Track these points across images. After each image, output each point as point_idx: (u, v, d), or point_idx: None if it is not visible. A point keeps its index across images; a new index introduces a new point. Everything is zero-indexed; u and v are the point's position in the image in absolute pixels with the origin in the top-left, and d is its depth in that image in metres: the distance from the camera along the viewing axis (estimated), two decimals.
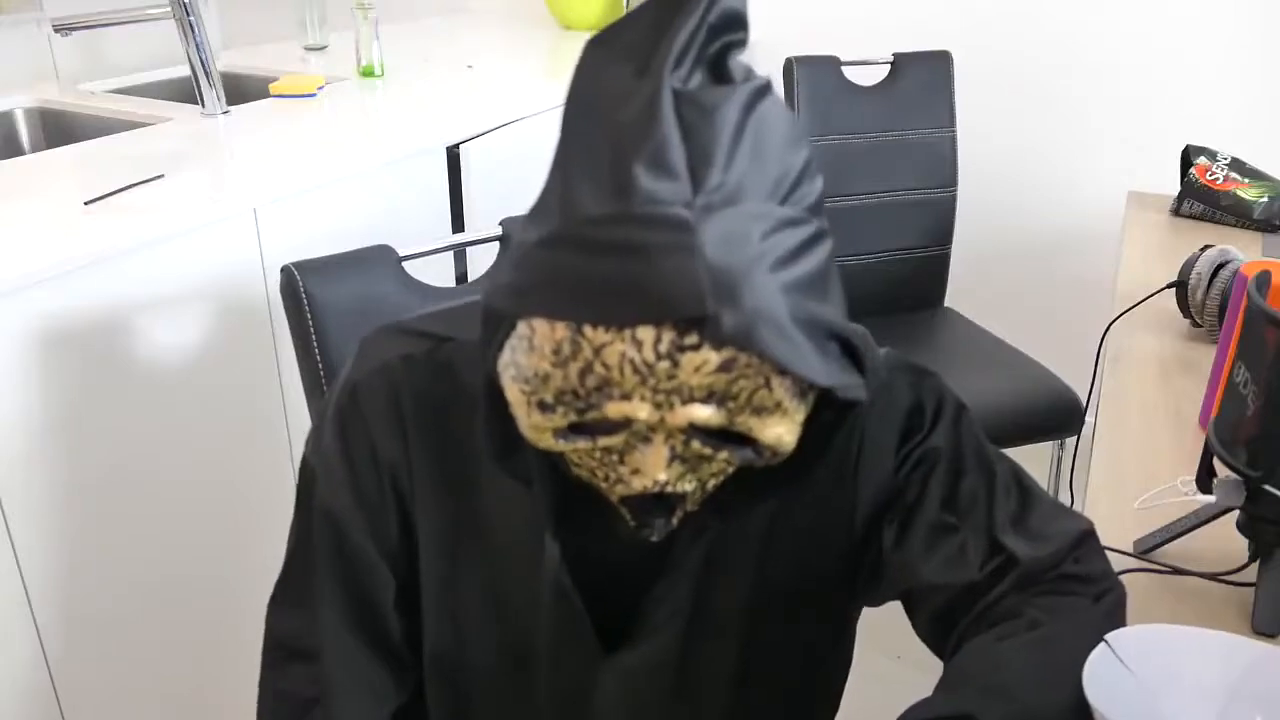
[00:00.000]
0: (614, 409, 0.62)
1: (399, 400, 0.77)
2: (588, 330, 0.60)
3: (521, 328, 0.64)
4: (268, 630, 0.85)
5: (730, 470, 0.71)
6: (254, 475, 1.65)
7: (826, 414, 0.72)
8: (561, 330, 0.61)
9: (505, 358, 0.66)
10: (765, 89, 0.63)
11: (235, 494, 1.63)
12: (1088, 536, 0.78)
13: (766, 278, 0.59)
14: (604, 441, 0.66)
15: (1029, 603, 0.74)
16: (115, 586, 1.48)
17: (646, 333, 0.59)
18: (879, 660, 1.17)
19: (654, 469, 0.66)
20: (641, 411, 0.62)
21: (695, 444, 0.66)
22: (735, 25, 0.63)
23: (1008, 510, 0.79)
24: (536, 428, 0.66)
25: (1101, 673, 0.71)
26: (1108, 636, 0.73)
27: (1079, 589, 0.75)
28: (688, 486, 0.69)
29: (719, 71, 0.63)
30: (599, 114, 0.63)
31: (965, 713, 0.66)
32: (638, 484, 0.67)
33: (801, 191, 0.63)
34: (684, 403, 0.62)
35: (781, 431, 0.65)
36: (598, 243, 0.59)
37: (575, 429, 0.66)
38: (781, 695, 0.88)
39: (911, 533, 0.79)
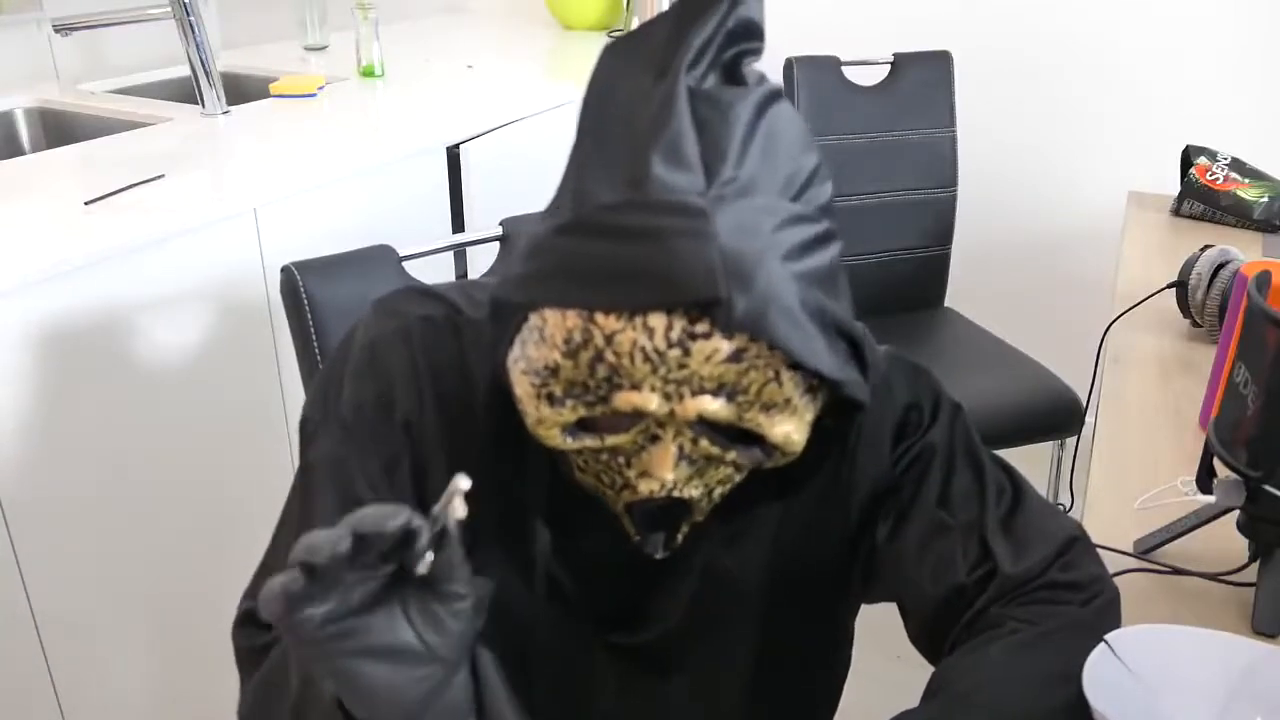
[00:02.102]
0: (623, 400, 0.62)
1: (416, 360, 0.76)
2: (599, 318, 0.60)
3: (533, 319, 0.64)
4: (243, 612, 0.79)
5: (737, 478, 0.70)
6: (254, 475, 1.65)
7: (827, 420, 0.72)
8: (573, 319, 0.61)
9: (515, 352, 0.66)
10: (777, 94, 0.65)
11: (235, 493, 1.63)
12: (1075, 541, 0.78)
13: (779, 266, 0.60)
14: (611, 440, 0.66)
15: (1013, 614, 0.74)
16: (115, 586, 1.48)
17: (658, 320, 0.59)
18: (879, 660, 1.16)
19: (661, 468, 0.65)
20: (651, 402, 0.62)
21: (704, 443, 0.65)
22: (751, 34, 0.65)
23: (998, 513, 0.79)
24: (544, 422, 0.66)
25: (1101, 673, 0.71)
26: (1108, 637, 0.73)
27: (1067, 596, 0.75)
28: (694, 492, 0.68)
29: (733, 76, 0.64)
30: (616, 115, 0.64)
31: None
32: (644, 487, 0.66)
33: (813, 192, 0.64)
34: (694, 394, 0.62)
35: (790, 430, 0.65)
36: (611, 228, 0.60)
37: (583, 426, 0.66)
38: (783, 693, 0.88)
39: (907, 528, 0.79)
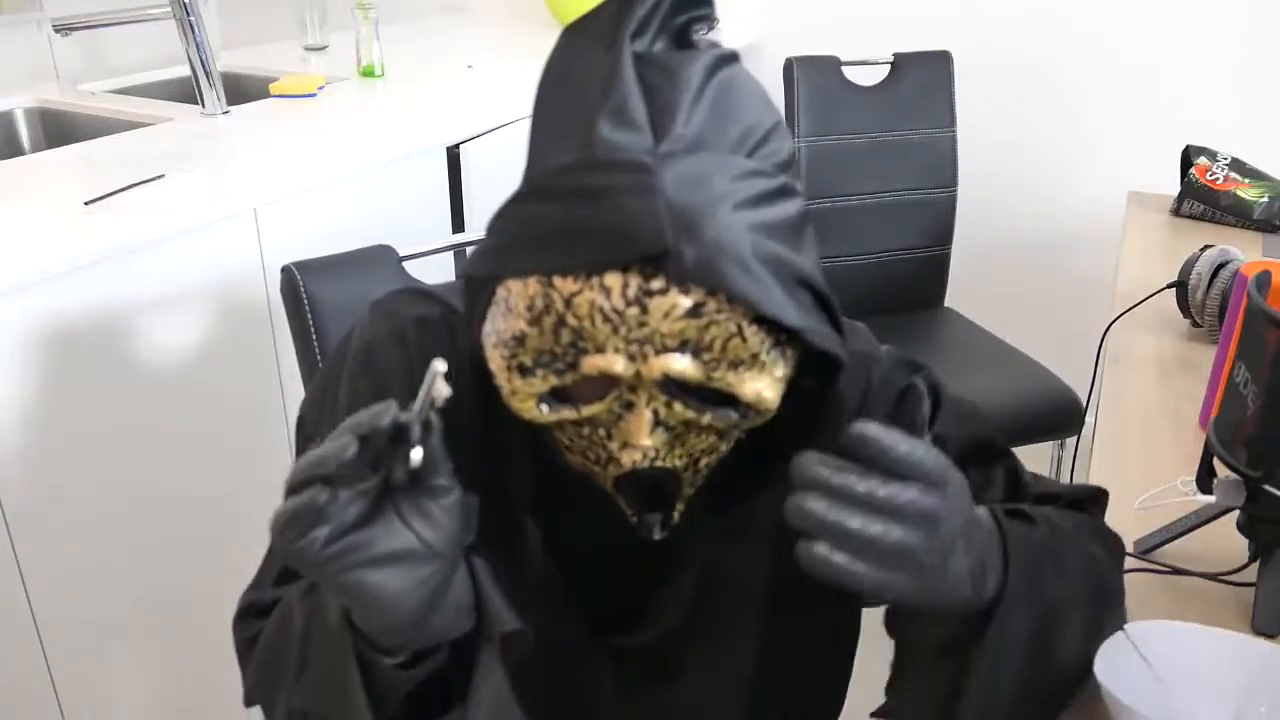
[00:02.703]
0: (590, 364, 0.63)
1: (411, 360, 0.77)
2: (557, 282, 0.61)
3: (500, 292, 0.65)
4: (244, 606, 0.81)
5: (722, 448, 0.71)
6: (254, 475, 1.65)
7: (809, 382, 0.72)
8: (534, 285, 0.62)
9: (487, 326, 0.67)
10: (729, 57, 0.65)
11: (235, 493, 1.63)
12: (1102, 495, 0.83)
13: (730, 215, 0.60)
14: (588, 410, 0.66)
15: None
16: (115, 586, 1.48)
17: (614, 279, 0.60)
18: (880, 662, 1.15)
19: (638, 435, 0.66)
20: (617, 364, 0.63)
21: (678, 407, 0.66)
22: (699, 1, 0.66)
23: (1023, 484, 0.82)
24: (519, 394, 0.66)
25: (1117, 662, 0.71)
26: (1125, 627, 0.74)
27: (1094, 514, 0.81)
28: (678, 461, 0.69)
29: (684, 43, 0.66)
30: (567, 87, 0.65)
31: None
32: (627, 458, 0.67)
33: (770, 148, 0.65)
34: (658, 353, 0.62)
35: (760, 387, 0.66)
36: (561, 191, 0.61)
37: (558, 396, 0.67)
38: (787, 697, 0.88)
39: None
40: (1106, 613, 0.75)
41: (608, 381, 0.64)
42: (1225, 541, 0.97)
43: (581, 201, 0.60)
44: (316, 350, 1.11)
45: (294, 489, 0.56)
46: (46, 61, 2.66)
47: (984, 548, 0.65)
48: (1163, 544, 0.99)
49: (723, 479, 0.74)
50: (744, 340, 0.63)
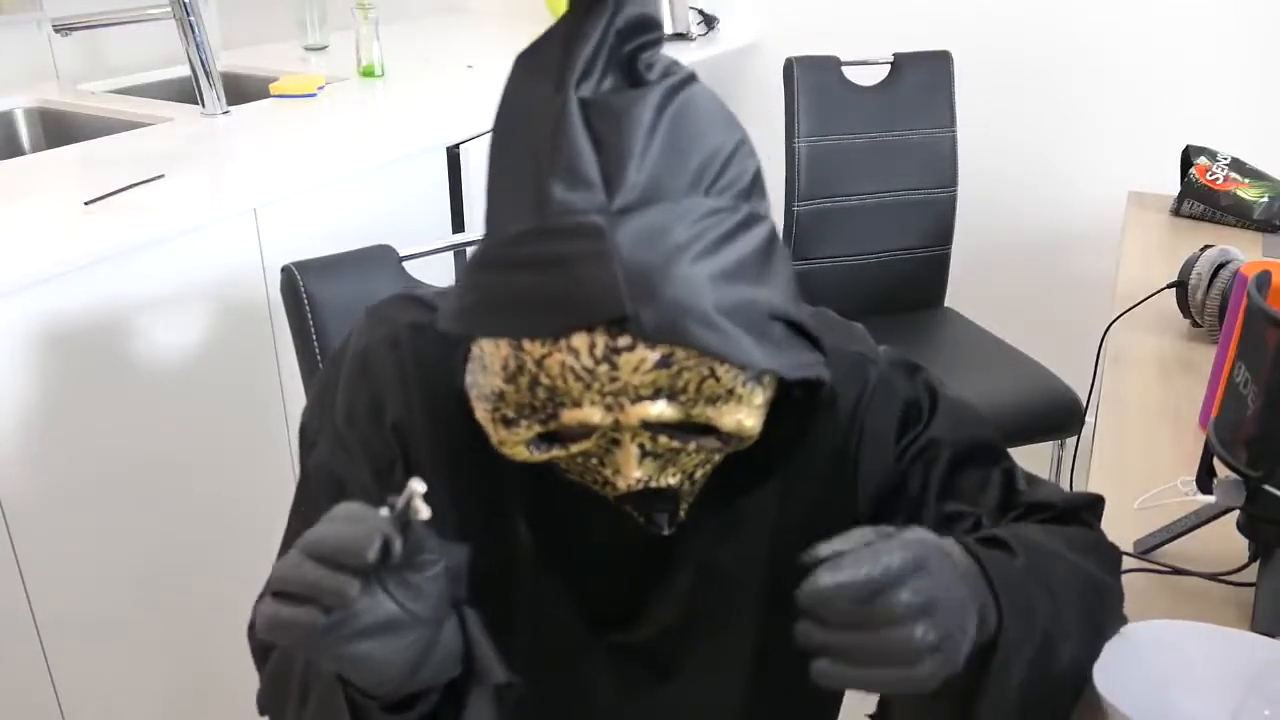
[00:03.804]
0: (569, 416, 0.64)
1: (405, 367, 0.78)
2: (526, 344, 0.62)
3: (475, 349, 0.67)
4: (251, 620, 0.83)
5: (717, 457, 0.72)
6: (254, 474, 1.65)
7: (797, 392, 0.73)
8: (505, 347, 0.64)
9: (469, 379, 0.69)
10: (682, 83, 0.65)
11: (235, 493, 1.63)
12: (1098, 502, 0.82)
13: (689, 270, 0.60)
14: (576, 448, 0.68)
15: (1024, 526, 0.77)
16: (115, 586, 1.48)
17: (580, 340, 0.61)
18: None
19: (627, 469, 0.67)
20: (595, 416, 0.64)
21: (662, 439, 0.67)
22: (645, 28, 0.65)
23: (1017, 491, 0.81)
24: (505, 443, 0.68)
25: (1114, 666, 0.71)
26: (1122, 630, 0.74)
27: (1089, 521, 0.80)
28: (672, 480, 0.70)
29: (633, 73, 0.65)
30: (519, 131, 0.65)
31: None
32: (621, 484, 0.68)
33: (728, 177, 0.64)
34: (633, 402, 0.63)
35: (741, 417, 0.67)
36: (519, 259, 0.62)
37: (545, 438, 0.68)
38: (785, 695, 0.88)
39: (923, 523, 0.79)
40: (1104, 623, 0.75)
41: (586, 426, 0.65)
42: (1225, 541, 0.97)
43: (540, 270, 0.61)
44: (316, 350, 1.11)
45: (281, 593, 0.58)
46: (46, 61, 2.66)
47: (976, 591, 0.64)
48: (1163, 544, 0.99)
49: (718, 476, 0.75)
50: (718, 380, 0.64)
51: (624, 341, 0.61)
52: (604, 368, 0.62)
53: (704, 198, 0.62)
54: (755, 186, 0.67)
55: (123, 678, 1.52)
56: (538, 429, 0.66)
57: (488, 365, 0.66)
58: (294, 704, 0.72)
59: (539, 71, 0.65)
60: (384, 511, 0.60)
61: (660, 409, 0.64)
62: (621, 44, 0.64)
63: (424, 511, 0.59)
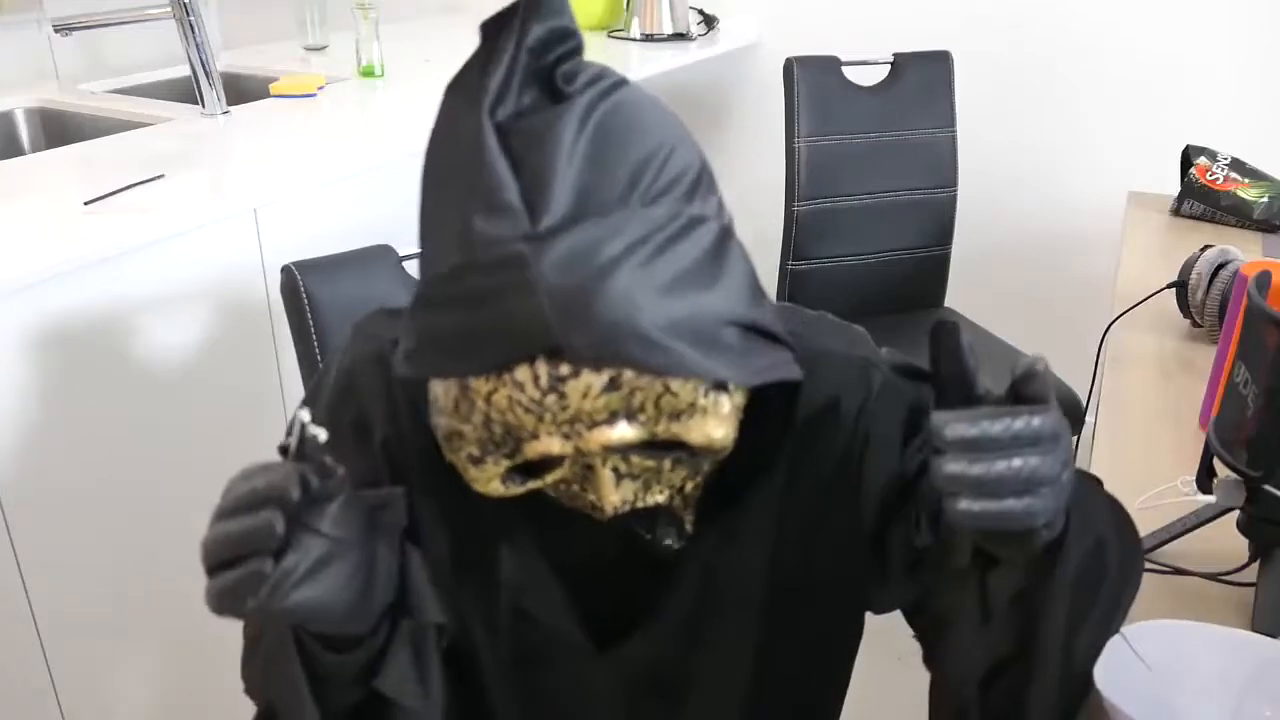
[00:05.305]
0: (531, 449, 0.63)
1: (391, 384, 0.77)
2: (471, 382, 0.61)
3: (429, 391, 0.66)
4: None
5: (705, 468, 0.70)
6: None
7: (772, 392, 0.72)
8: (454, 387, 0.63)
9: (432, 419, 0.67)
10: (607, 91, 0.62)
11: None
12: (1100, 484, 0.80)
13: (623, 285, 0.58)
14: (551, 478, 0.66)
15: None
16: (115, 586, 1.48)
17: (523, 372, 0.60)
18: (881, 662, 1.16)
19: (606, 494, 0.66)
20: (554, 446, 0.62)
21: (635, 459, 0.65)
22: (559, 40, 0.63)
23: None
24: (478, 481, 0.67)
25: (1115, 665, 0.71)
26: (1123, 629, 0.73)
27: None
28: (659, 498, 0.69)
29: (553, 89, 0.62)
30: (444, 163, 0.64)
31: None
32: (608, 507, 0.67)
33: (664, 181, 0.62)
34: (589, 428, 0.62)
35: (708, 430, 0.65)
36: (450, 296, 0.61)
37: (518, 470, 0.67)
38: (787, 697, 0.87)
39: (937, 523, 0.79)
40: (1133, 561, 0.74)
41: (554, 456, 0.64)
42: (1225, 541, 0.97)
43: (470, 307, 0.60)
44: (316, 350, 1.11)
45: (216, 566, 0.58)
46: (46, 61, 2.66)
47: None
48: (1163, 544, 0.99)
49: (715, 481, 0.74)
50: (675, 395, 0.62)
51: (565, 369, 0.59)
52: (551, 398, 0.60)
53: (639, 208, 0.60)
54: (699, 186, 0.64)
55: (123, 678, 1.52)
56: (505, 464, 0.65)
57: (442, 407, 0.65)
58: (258, 670, 0.73)
59: (460, 99, 0.63)
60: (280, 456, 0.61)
61: (622, 432, 0.62)
62: (536, 60, 0.62)
63: (320, 434, 0.60)
